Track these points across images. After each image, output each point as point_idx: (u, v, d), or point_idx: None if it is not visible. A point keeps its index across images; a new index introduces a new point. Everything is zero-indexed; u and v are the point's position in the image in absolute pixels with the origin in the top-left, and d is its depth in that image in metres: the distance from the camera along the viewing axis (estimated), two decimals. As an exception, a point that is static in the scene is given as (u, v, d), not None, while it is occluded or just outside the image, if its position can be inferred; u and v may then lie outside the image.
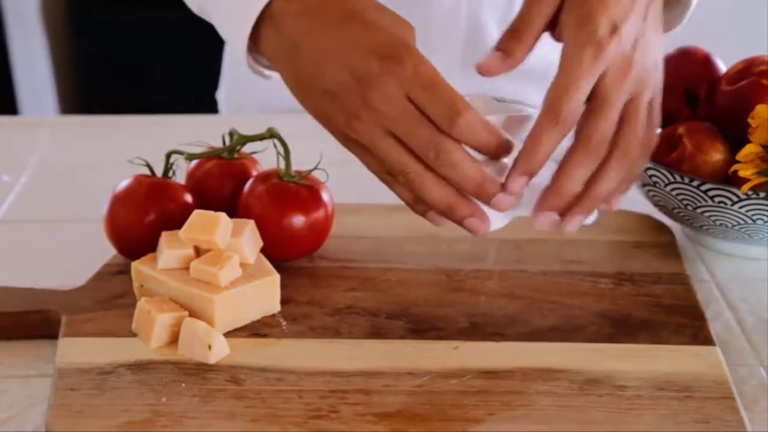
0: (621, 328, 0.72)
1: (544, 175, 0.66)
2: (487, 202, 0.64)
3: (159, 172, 0.80)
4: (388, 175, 0.66)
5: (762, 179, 0.76)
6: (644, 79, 0.64)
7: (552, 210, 0.65)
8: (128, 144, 1.03)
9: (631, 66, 0.63)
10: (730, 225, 0.80)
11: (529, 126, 0.64)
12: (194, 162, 0.82)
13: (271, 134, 0.78)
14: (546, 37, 0.69)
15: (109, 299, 0.74)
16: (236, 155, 0.82)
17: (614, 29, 0.62)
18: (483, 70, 0.64)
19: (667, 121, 0.88)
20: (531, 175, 0.64)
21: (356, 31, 0.62)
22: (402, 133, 0.62)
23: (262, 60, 0.72)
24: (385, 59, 0.61)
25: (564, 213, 0.66)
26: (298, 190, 0.77)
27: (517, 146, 0.65)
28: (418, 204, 0.67)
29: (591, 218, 0.68)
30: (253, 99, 1.20)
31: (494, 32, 1.09)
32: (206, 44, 2.10)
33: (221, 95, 1.28)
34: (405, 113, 0.62)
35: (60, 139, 1.09)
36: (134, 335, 0.69)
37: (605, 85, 0.63)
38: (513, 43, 0.64)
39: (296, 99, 0.66)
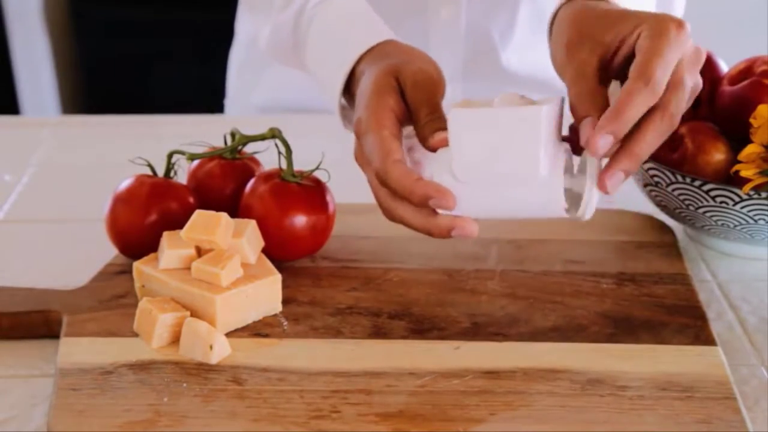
0: (622, 329, 0.72)
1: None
2: (440, 235, 0.69)
3: (160, 172, 0.80)
4: None
5: (763, 179, 0.76)
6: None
7: (608, 132, 0.63)
8: (130, 144, 1.03)
9: (701, 55, 0.67)
10: (731, 225, 0.80)
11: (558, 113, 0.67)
12: (196, 162, 0.82)
13: (273, 134, 0.78)
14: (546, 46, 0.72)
15: (111, 299, 0.74)
16: (238, 155, 0.82)
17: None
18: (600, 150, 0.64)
19: (669, 121, 0.88)
20: (616, 135, 0.64)
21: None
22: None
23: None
24: (356, 137, 0.71)
25: (607, 169, 0.66)
26: (299, 190, 0.77)
27: (554, 134, 0.67)
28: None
29: (591, 209, 0.68)
30: (257, 100, 1.20)
31: (496, 42, 1.09)
32: (207, 44, 2.10)
33: (228, 99, 1.29)
34: (371, 180, 0.71)
35: (61, 138, 1.09)
36: (136, 335, 0.70)
37: (681, 68, 0.65)
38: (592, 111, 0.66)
39: None
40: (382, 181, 0.68)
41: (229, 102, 1.28)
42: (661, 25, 0.65)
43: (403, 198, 0.68)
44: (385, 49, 0.76)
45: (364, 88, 0.72)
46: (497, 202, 0.67)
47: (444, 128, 0.68)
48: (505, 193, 0.67)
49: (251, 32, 1.18)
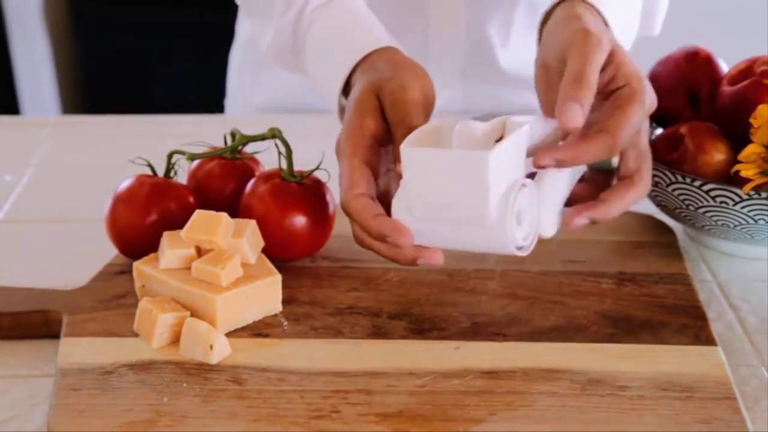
0: (623, 329, 0.72)
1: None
2: (406, 264, 0.69)
3: (161, 172, 0.80)
4: None
5: (764, 179, 0.76)
6: None
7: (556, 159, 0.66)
8: (130, 144, 1.03)
9: (654, 107, 0.71)
10: (731, 225, 0.80)
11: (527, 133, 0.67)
12: (196, 162, 0.82)
13: (273, 134, 0.78)
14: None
15: (111, 299, 0.74)
16: (238, 155, 0.82)
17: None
18: (570, 124, 0.66)
19: (669, 121, 0.88)
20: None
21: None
22: None
23: None
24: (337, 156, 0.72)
25: (581, 211, 0.68)
26: (299, 190, 0.77)
27: (509, 170, 0.65)
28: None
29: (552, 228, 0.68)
30: (257, 100, 1.20)
31: (495, 43, 1.09)
32: (207, 44, 2.10)
33: (228, 99, 1.28)
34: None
35: (61, 138, 1.09)
36: (136, 335, 0.70)
37: (644, 135, 0.72)
38: (583, 92, 0.66)
39: None
40: (345, 212, 0.69)
41: (229, 102, 1.28)
42: (640, 90, 0.68)
43: (365, 230, 0.68)
44: (377, 61, 0.75)
45: (348, 104, 0.72)
46: (451, 238, 0.66)
47: None
48: (458, 231, 0.66)
49: (251, 33, 1.18)
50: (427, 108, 0.72)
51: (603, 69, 0.68)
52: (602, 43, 0.68)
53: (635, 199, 0.70)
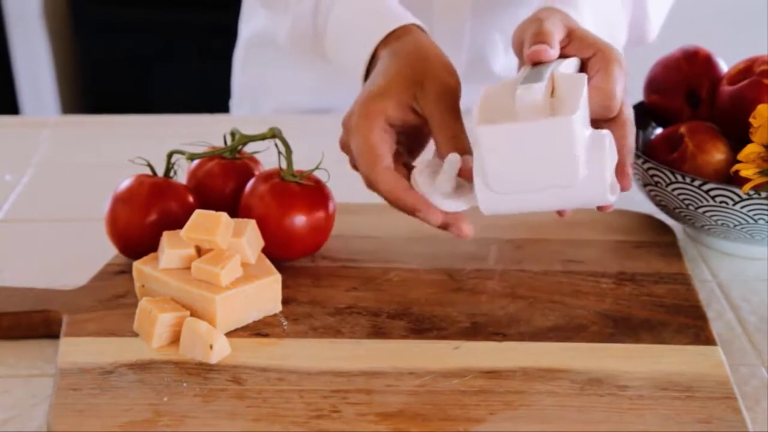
0: (622, 328, 0.72)
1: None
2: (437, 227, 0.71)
3: (160, 172, 0.80)
4: None
5: (763, 179, 0.76)
6: None
7: None
8: (129, 144, 1.03)
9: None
10: (731, 225, 0.80)
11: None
12: (196, 162, 0.82)
13: (273, 134, 0.78)
14: None
15: (111, 299, 0.74)
16: (238, 155, 0.82)
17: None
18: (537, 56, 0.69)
19: (669, 120, 0.88)
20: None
21: None
22: None
23: None
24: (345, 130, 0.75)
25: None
26: (299, 190, 0.77)
27: (587, 125, 0.66)
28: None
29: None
30: (262, 104, 1.19)
31: (499, 49, 1.09)
32: (207, 44, 2.11)
33: (234, 102, 1.28)
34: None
35: (61, 139, 1.09)
36: (136, 335, 0.70)
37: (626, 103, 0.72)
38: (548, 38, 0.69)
39: None
40: (372, 188, 0.71)
41: (234, 104, 1.28)
42: (610, 52, 0.70)
43: (392, 204, 0.71)
44: (401, 47, 0.76)
45: (375, 78, 0.73)
46: (540, 203, 0.67)
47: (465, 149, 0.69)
48: (547, 196, 0.66)
49: (257, 30, 1.18)
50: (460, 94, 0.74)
51: (565, 47, 0.71)
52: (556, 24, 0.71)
53: (631, 134, 0.71)
